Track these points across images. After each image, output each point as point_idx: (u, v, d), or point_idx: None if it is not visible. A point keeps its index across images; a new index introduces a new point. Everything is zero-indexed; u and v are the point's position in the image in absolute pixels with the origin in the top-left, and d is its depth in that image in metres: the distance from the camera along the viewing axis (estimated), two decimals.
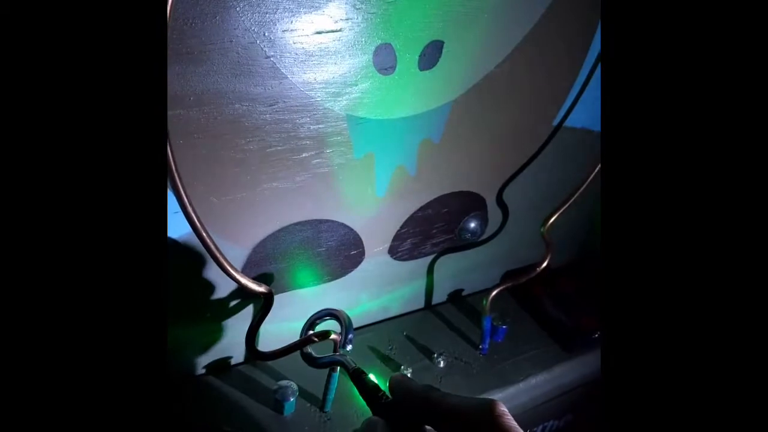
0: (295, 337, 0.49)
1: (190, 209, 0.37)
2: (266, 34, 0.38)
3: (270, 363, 0.55)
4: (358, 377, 0.38)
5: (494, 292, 0.61)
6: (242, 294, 0.50)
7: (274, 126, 0.42)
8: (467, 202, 0.60)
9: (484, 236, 0.65)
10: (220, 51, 0.37)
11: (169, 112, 0.37)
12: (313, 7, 0.38)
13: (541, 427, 0.66)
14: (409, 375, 0.57)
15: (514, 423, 0.30)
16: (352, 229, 0.53)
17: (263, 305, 0.44)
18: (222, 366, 0.54)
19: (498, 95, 0.52)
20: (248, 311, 0.52)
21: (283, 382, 0.52)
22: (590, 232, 0.76)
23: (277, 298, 0.49)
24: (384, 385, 0.37)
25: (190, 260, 0.45)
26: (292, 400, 0.51)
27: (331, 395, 0.52)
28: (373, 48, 0.43)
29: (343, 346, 0.44)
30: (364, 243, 0.55)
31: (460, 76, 0.49)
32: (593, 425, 0.71)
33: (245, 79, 0.39)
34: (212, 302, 0.49)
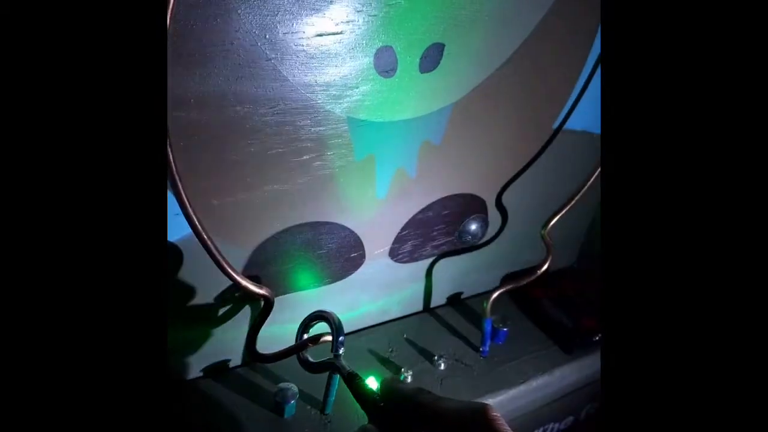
0: (293, 338, 0.49)
1: (190, 211, 0.38)
2: (267, 36, 0.38)
3: (269, 365, 0.55)
4: (351, 381, 0.38)
5: (495, 295, 0.61)
6: (242, 296, 0.50)
7: (275, 128, 0.42)
8: (468, 205, 0.60)
9: (485, 238, 0.65)
10: (222, 53, 0.37)
11: (170, 114, 0.37)
12: (314, 9, 0.38)
13: (541, 429, 0.66)
14: (409, 378, 0.57)
15: (506, 427, 0.30)
16: (352, 232, 0.53)
17: (263, 307, 0.44)
18: (221, 369, 0.54)
19: (499, 98, 0.52)
20: (248, 313, 0.52)
21: (283, 385, 0.52)
22: (591, 235, 0.76)
23: (277, 300, 0.49)
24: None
25: (190, 262, 0.45)
26: (292, 402, 0.51)
27: (332, 397, 0.52)
28: (374, 50, 0.43)
29: (336, 350, 0.44)
30: (365, 245, 0.55)
31: (461, 79, 0.49)
32: (594, 427, 0.71)
33: (246, 81, 0.39)
34: (212, 304, 0.49)
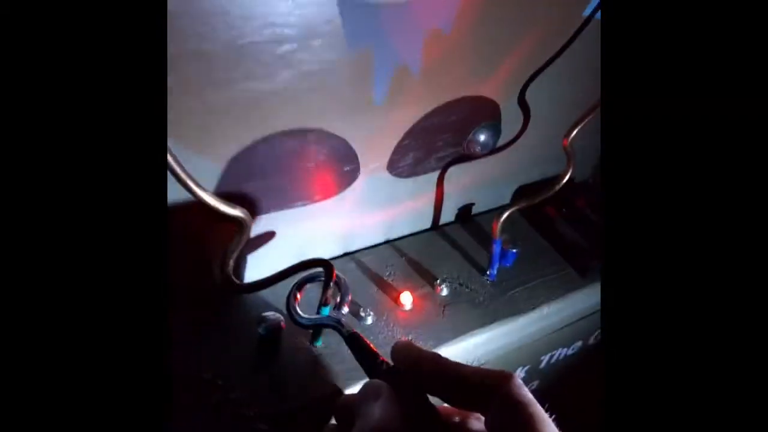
0: (279, 264, 0.43)
1: None
2: None
3: (253, 294, 0.49)
4: (355, 342, 0.34)
5: (505, 213, 0.54)
6: (214, 218, 0.43)
7: (247, 9, 0.33)
8: (478, 110, 0.52)
9: (496, 148, 0.57)
10: None
11: None
12: None
13: (548, 355, 0.62)
14: (407, 306, 0.51)
15: (531, 396, 0.28)
16: (345, 141, 0.45)
17: (237, 231, 0.38)
18: (200, 299, 0.48)
19: None
20: (222, 238, 0.45)
21: (268, 314, 0.46)
22: None
23: (256, 221, 0.42)
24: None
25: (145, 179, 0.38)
26: (278, 334, 0.45)
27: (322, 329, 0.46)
28: None
29: (339, 308, 0.39)
30: (359, 157, 0.48)
31: None
32: (602, 352, 0.67)
33: None
34: (179, 229, 0.42)
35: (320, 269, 0.42)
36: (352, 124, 0.44)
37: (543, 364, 0.63)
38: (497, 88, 0.51)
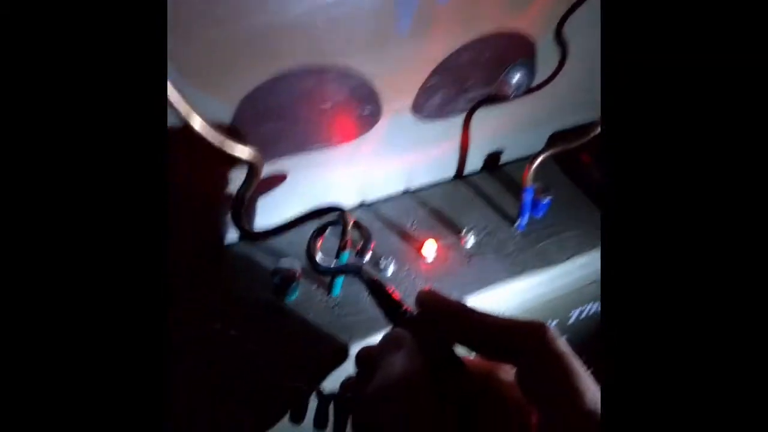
0: (292, 212, 0.40)
1: None
2: None
3: (269, 242, 0.47)
4: (377, 289, 0.31)
5: (539, 159, 0.50)
6: (225, 160, 0.41)
7: None
8: (512, 46, 0.47)
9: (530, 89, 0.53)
10: None
11: None
12: None
13: (578, 311, 0.59)
14: (430, 258, 0.49)
15: (567, 347, 0.25)
16: (365, 79, 0.42)
17: (248, 173, 0.35)
18: (213, 246, 0.47)
19: None
20: (235, 182, 0.43)
21: (284, 263, 0.44)
22: None
23: (269, 165, 0.40)
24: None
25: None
26: (294, 283, 0.43)
27: (340, 278, 0.44)
28: None
29: (361, 255, 0.36)
30: (381, 97, 0.44)
31: None
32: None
33: None
34: (190, 171, 0.40)
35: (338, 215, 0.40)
36: (374, 59, 0.41)
37: (572, 319, 0.61)
38: (533, 22, 0.46)
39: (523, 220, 0.52)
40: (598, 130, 0.50)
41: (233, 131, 0.39)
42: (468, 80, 0.48)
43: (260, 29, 0.35)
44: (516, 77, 0.50)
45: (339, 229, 0.41)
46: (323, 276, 0.42)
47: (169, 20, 0.30)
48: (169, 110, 0.30)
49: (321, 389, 0.35)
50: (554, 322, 0.59)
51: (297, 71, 0.38)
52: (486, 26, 0.44)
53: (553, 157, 0.53)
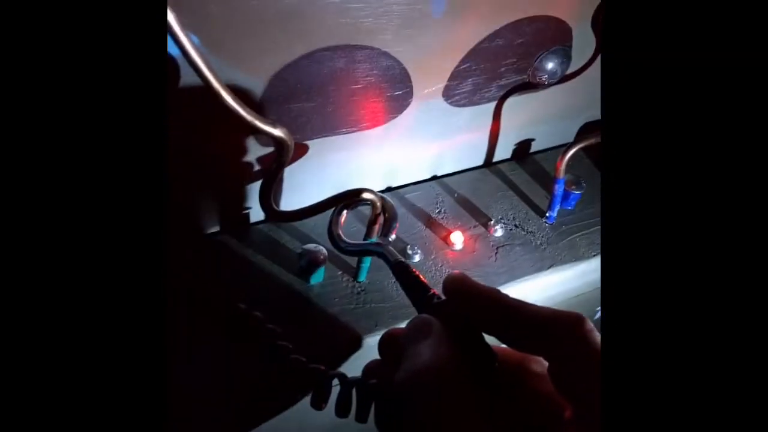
0: (318, 195, 0.40)
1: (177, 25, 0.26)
2: None
3: (296, 223, 0.47)
4: (403, 271, 0.30)
5: (572, 150, 0.49)
6: (257, 138, 0.40)
7: None
8: (548, 32, 0.46)
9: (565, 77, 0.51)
10: None
11: None
12: None
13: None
14: (458, 245, 0.48)
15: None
16: (397, 61, 0.41)
17: (278, 153, 0.34)
18: (239, 225, 0.46)
19: None
20: (264, 160, 0.42)
21: (311, 246, 0.43)
22: None
23: (299, 147, 0.39)
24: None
25: (185, 92, 0.35)
26: (320, 267, 0.43)
27: (367, 263, 0.44)
28: None
29: (386, 234, 0.35)
30: (413, 80, 0.43)
31: None
32: None
33: None
34: (218, 149, 0.39)
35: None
36: (406, 40, 0.40)
37: (597, 315, 0.59)
38: (569, 7, 0.45)
39: (553, 213, 0.51)
40: None
41: (263, 109, 0.38)
42: (501, 67, 0.46)
43: (291, 3, 0.34)
44: (550, 65, 0.48)
45: (363, 212, 0.40)
46: (346, 255, 0.41)
47: None
48: (201, 84, 0.30)
49: (344, 373, 0.35)
50: None
51: (328, 50, 0.38)
52: (521, 11, 0.43)
53: (583, 149, 0.51)
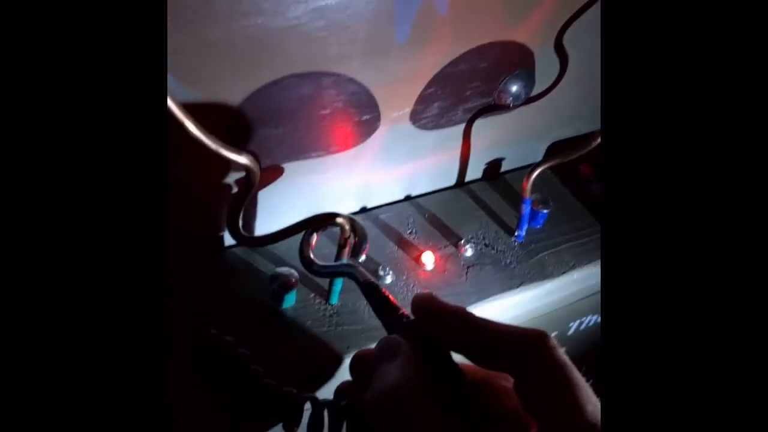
0: (291, 220, 0.40)
1: None
2: None
3: (271, 246, 0.47)
4: (372, 292, 0.31)
5: (537, 171, 0.50)
6: (224, 165, 0.41)
7: None
8: (511, 57, 0.47)
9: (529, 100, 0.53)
10: None
11: None
12: None
13: (577, 323, 0.59)
14: (429, 266, 0.48)
15: (567, 359, 0.25)
16: (364, 87, 0.42)
17: (245, 179, 0.35)
18: (212, 249, 0.46)
19: None
20: (237, 185, 0.42)
21: (282, 270, 0.44)
22: None
23: (268, 173, 0.40)
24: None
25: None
26: (292, 291, 0.43)
27: (338, 285, 0.44)
28: None
29: (357, 255, 0.36)
30: (380, 105, 0.44)
31: None
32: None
33: None
34: (187, 175, 0.40)
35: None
36: (372, 66, 0.41)
37: (571, 331, 0.60)
38: (532, 32, 0.47)
39: (522, 232, 0.52)
40: (597, 141, 0.50)
41: (231, 136, 0.39)
42: (466, 90, 0.48)
43: (256, 32, 0.35)
44: (514, 87, 0.50)
45: (336, 234, 0.41)
46: (317, 277, 0.41)
47: (171, 16, 0.31)
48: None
49: (315, 396, 0.35)
50: (553, 334, 0.58)
51: (295, 77, 0.38)
52: (484, 37, 0.44)
53: (551, 168, 0.53)
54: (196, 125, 0.30)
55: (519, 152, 0.59)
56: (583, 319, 0.59)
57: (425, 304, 0.29)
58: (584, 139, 0.50)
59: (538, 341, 0.25)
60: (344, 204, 0.52)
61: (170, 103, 0.29)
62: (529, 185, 0.50)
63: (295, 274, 0.44)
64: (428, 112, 0.48)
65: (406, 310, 0.30)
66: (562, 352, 0.25)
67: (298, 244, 0.39)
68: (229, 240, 0.47)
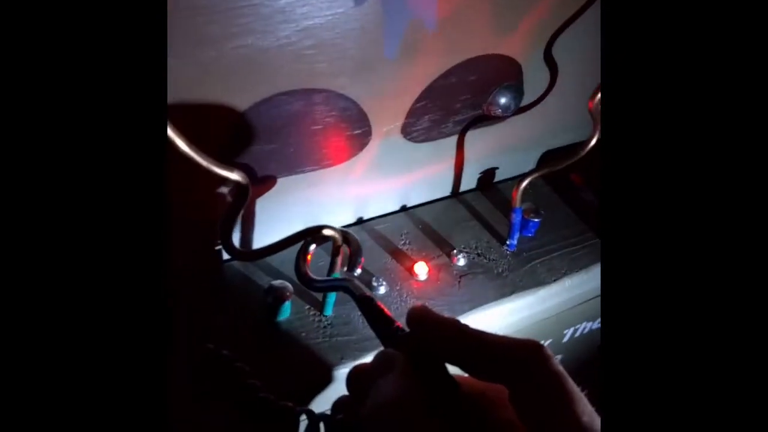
0: (287, 232, 0.41)
1: None
2: None
3: (267, 258, 0.48)
4: (367, 305, 0.31)
5: (526, 180, 0.51)
6: (218, 181, 0.41)
7: None
8: (499, 69, 0.48)
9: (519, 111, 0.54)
10: None
11: None
12: None
13: (572, 330, 0.59)
14: (422, 276, 0.49)
15: (562, 369, 0.25)
16: (354, 102, 0.43)
17: (237, 195, 0.36)
18: (208, 265, 0.47)
19: None
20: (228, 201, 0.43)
21: (277, 283, 0.44)
22: None
23: (261, 187, 0.40)
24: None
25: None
26: (286, 302, 0.44)
27: (332, 297, 0.45)
28: None
29: (352, 268, 0.36)
30: (371, 120, 0.45)
31: None
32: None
33: None
34: (183, 191, 0.40)
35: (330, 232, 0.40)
36: (362, 82, 0.42)
37: (566, 338, 0.61)
38: (520, 44, 0.48)
39: (513, 241, 0.53)
40: (587, 150, 0.50)
41: (224, 153, 0.40)
42: (456, 103, 0.49)
43: (247, 52, 0.36)
44: (503, 99, 0.51)
45: (330, 246, 0.42)
46: (313, 292, 0.42)
47: None
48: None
49: (311, 410, 0.35)
50: (548, 342, 0.59)
51: (286, 94, 0.39)
52: (472, 50, 0.45)
53: (543, 177, 0.53)
54: (187, 143, 0.31)
55: (512, 161, 0.60)
56: (577, 327, 0.60)
57: (420, 317, 0.29)
58: (574, 147, 0.51)
59: (533, 352, 0.25)
60: (340, 216, 0.52)
61: (168, 129, 0.30)
62: (518, 195, 0.51)
63: (290, 286, 0.44)
64: (419, 125, 0.48)
65: (401, 322, 0.31)
66: (556, 362, 0.25)
67: (292, 256, 0.39)
68: (226, 254, 0.48)
